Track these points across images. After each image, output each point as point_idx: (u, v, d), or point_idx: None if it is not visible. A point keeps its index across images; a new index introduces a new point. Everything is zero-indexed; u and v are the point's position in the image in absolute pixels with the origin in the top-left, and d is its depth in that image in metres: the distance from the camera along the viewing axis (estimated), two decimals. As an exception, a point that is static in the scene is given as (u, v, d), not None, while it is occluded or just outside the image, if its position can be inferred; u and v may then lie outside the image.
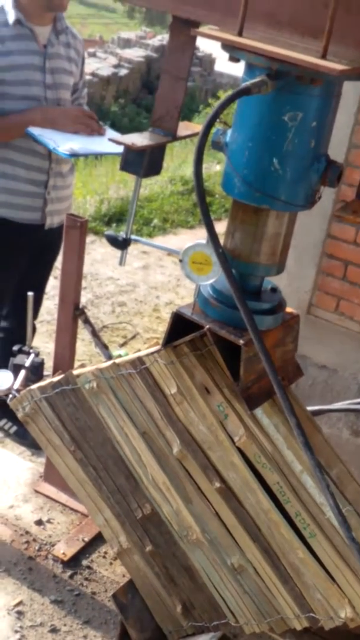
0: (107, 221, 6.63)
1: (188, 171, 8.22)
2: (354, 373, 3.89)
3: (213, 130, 1.79)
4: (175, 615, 2.22)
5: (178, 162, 8.95)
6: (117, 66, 16.75)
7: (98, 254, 6.02)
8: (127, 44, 18.75)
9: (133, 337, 5.09)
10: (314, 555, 2.00)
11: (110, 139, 1.98)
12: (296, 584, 2.04)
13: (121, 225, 6.54)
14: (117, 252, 2.48)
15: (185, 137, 1.93)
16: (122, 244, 2.27)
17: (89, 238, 6.24)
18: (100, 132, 3.00)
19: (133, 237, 2.28)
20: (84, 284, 5.64)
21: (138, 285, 5.70)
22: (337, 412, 3.75)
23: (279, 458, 1.97)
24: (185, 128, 1.96)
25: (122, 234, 2.29)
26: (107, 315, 5.27)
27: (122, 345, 4.98)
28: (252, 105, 1.64)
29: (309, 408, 2.83)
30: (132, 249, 6.33)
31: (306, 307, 3.92)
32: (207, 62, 18.41)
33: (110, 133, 3.06)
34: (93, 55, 17.83)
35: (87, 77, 15.92)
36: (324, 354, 3.93)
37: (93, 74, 16.20)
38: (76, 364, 2.81)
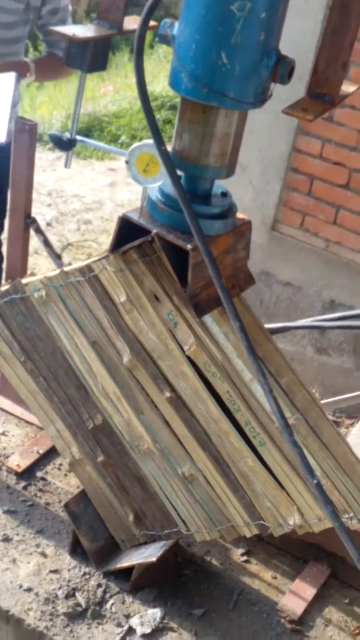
0: (74, 137, 6.50)
1: (158, 87, 8.04)
2: (318, 290, 3.86)
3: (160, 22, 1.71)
4: (127, 524, 2.22)
5: (149, 78, 8.73)
6: (88, -21, 16.18)
7: (64, 171, 5.88)
8: None
9: (98, 255, 5.02)
10: (264, 464, 2.00)
11: (52, 29, 1.87)
12: (246, 492, 2.04)
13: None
14: (83, 169, 2.39)
15: (131, 32, 1.84)
16: (66, 145, 2.19)
17: (55, 154, 6.09)
18: None
19: (78, 137, 2.19)
20: (48, 200, 5.53)
21: (104, 203, 5.59)
22: (301, 329, 3.74)
23: (228, 367, 1.95)
24: (133, 22, 1.86)
25: (66, 134, 2.20)
26: (72, 232, 5.18)
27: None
28: (198, -6, 1.55)
29: (273, 325, 2.81)
30: (100, 166, 6.20)
31: (271, 223, 3.86)
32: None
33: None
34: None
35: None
36: (288, 270, 3.89)
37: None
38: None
